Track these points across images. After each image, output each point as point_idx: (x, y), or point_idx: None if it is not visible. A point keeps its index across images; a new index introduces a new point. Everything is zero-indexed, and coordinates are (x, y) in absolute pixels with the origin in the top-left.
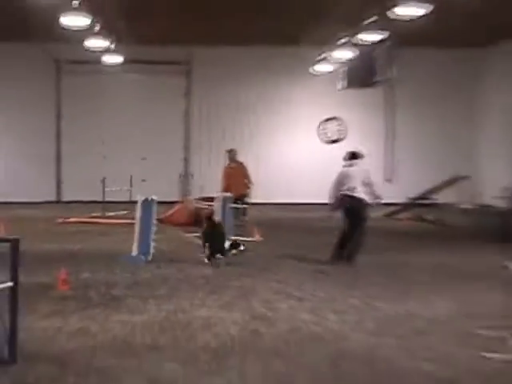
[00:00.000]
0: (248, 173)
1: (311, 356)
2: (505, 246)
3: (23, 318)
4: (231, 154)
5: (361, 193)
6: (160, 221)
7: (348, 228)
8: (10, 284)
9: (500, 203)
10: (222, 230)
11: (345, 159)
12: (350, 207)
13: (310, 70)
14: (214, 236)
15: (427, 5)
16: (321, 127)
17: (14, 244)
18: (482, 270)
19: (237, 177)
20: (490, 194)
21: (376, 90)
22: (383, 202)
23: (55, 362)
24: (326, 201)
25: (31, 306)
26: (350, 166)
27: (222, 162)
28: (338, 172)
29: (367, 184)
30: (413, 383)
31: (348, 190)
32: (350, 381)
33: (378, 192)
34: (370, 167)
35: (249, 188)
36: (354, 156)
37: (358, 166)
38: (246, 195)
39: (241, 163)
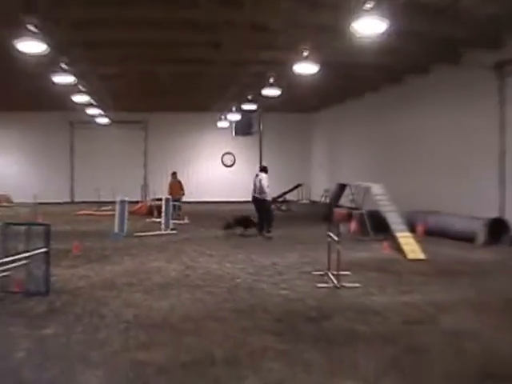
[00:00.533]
0: (182, 185)
1: (217, 288)
2: (326, 223)
3: (53, 268)
4: (173, 175)
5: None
6: (130, 212)
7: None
8: (45, 249)
9: (323, 199)
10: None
11: (266, 172)
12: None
13: (215, 125)
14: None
15: (280, 89)
16: (222, 158)
17: (47, 227)
18: (313, 238)
19: (175, 188)
20: (317, 194)
21: (252, 137)
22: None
23: (71, 294)
24: (223, 199)
25: (57, 262)
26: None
27: (166, 178)
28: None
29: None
30: (276, 302)
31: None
32: (240, 302)
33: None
34: (250, 181)
35: (182, 194)
36: (263, 169)
37: (261, 176)
38: (180, 198)
39: (178, 180)
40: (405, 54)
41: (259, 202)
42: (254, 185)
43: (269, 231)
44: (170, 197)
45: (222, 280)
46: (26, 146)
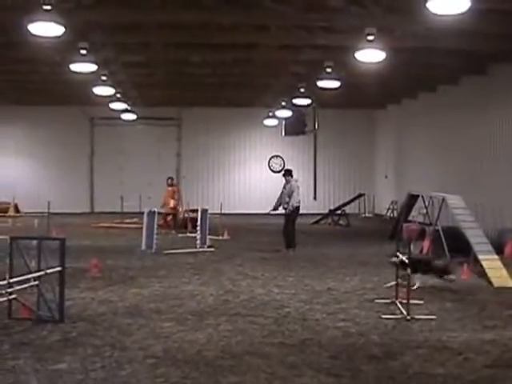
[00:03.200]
0: (179, 195)
1: (263, 317)
2: (394, 242)
3: (68, 291)
4: (169, 181)
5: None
6: (160, 225)
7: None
8: (59, 268)
9: (389, 213)
10: None
11: (291, 176)
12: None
13: (262, 123)
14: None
15: (338, 81)
16: (269, 162)
17: (62, 242)
18: (378, 259)
19: (167, 197)
20: (383, 206)
21: (305, 138)
22: (311, 212)
23: (90, 321)
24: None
25: (74, 284)
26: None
27: (202, 185)
28: (292, 185)
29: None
30: (333, 336)
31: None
32: (289, 334)
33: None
34: (302, 190)
35: (175, 208)
36: (287, 173)
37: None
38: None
39: (173, 189)
40: (491, 38)
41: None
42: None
43: (289, 247)
44: (206, 207)
45: (268, 308)
46: (37, 147)
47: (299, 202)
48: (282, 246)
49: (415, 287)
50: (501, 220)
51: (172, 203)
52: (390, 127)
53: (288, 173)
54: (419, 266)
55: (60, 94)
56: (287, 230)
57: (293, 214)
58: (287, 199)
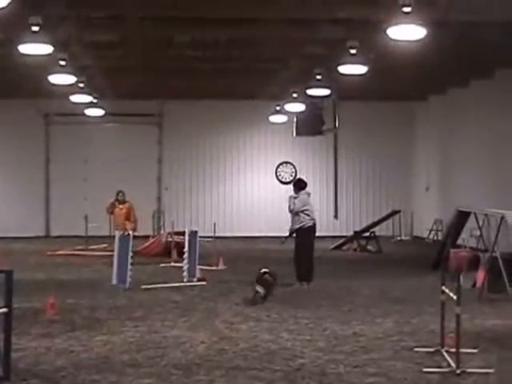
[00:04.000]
0: (133, 213)
1: (269, 372)
2: (438, 272)
3: (16, 339)
4: (118, 195)
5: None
6: (135, 253)
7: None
8: (4, 310)
9: (432, 235)
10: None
11: (301, 188)
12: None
13: (267, 120)
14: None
15: (366, 66)
16: (277, 170)
17: (8, 275)
18: (417, 294)
19: (120, 217)
20: (423, 227)
21: (324, 138)
22: (331, 235)
23: (45, 379)
24: (278, 234)
25: (23, 329)
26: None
27: (190, 201)
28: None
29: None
30: None
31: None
32: None
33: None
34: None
35: (132, 229)
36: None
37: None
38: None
39: (128, 206)
40: None
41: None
42: (311, 207)
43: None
44: (195, 229)
45: (276, 359)
46: None
47: (314, 219)
48: (294, 279)
49: None
50: None
51: (129, 227)
52: (432, 125)
53: (298, 184)
54: None
55: (5, 84)
56: (299, 256)
57: (305, 236)
58: (296, 217)
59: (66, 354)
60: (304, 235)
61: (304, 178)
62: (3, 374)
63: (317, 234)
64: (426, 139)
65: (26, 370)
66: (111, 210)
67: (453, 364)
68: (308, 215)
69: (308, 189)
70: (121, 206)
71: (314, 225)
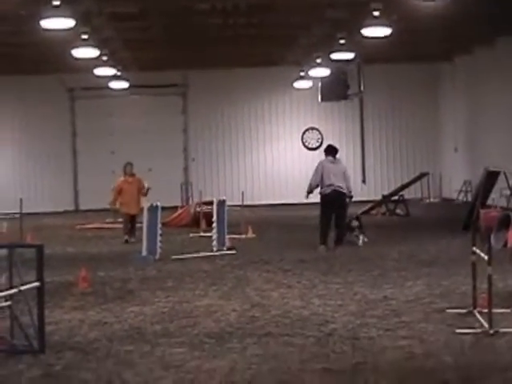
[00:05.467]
0: (144, 187)
1: (301, 337)
2: (468, 233)
3: (50, 312)
4: (128, 167)
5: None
6: (164, 224)
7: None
8: (36, 284)
9: (461, 196)
10: None
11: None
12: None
13: (291, 86)
14: None
15: (389, 28)
16: (302, 136)
17: (39, 249)
18: (447, 256)
19: (131, 192)
20: (452, 188)
21: (349, 102)
22: (359, 199)
23: (79, 350)
24: (305, 200)
25: (56, 302)
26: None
27: (217, 171)
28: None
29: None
30: (393, 359)
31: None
32: (336, 358)
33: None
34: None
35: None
36: (336, 150)
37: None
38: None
39: (138, 178)
40: None
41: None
42: (335, 174)
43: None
44: (223, 198)
45: (307, 325)
46: (2, 129)
47: (333, 185)
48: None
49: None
50: None
51: (144, 203)
52: (458, 85)
53: (327, 150)
54: None
55: (29, 60)
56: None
57: (321, 202)
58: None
59: (99, 325)
60: (321, 201)
61: (332, 143)
62: (38, 347)
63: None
64: (452, 100)
65: (61, 342)
66: (120, 188)
67: (485, 324)
68: (325, 182)
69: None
70: (130, 180)
71: (332, 192)
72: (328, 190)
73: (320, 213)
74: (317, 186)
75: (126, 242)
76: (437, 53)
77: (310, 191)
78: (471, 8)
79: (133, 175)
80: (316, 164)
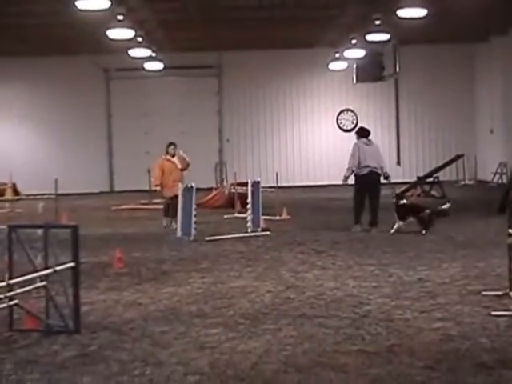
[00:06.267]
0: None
1: (336, 319)
2: (504, 216)
3: (85, 292)
4: (170, 147)
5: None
6: (199, 205)
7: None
8: (72, 264)
9: (497, 178)
10: None
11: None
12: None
13: (326, 67)
14: None
15: (425, 8)
16: (337, 118)
17: (74, 230)
18: (483, 238)
19: (175, 173)
20: (488, 170)
21: (385, 84)
22: (394, 181)
23: (114, 331)
24: (340, 182)
25: (91, 283)
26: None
27: (252, 152)
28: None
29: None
30: (429, 341)
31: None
32: (371, 340)
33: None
34: (383, 153)
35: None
36: (369, 132)
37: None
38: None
39: (183, 156)
40: None
41: (379, 178)
42: (370, 155)
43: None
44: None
45: (342, 306)
46: (39, 109)
47: (369, 166)
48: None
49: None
50: None
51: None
52: (494, 66)
53: (360, 132)
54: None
55: (65, 41)
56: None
57: (356, 183)
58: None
59: (134, 306)
60: (356, 182)
61: (365, 125)
62: (74, 328)
63: (380, 181)
64: (488, 81)
65: (96, 322)
66: (162, 168)
67: None
68: (361, 163)
69: (372, 136)
70: (173, 160)
71: (368, 173)
72: (365, 171)
73: (355, 193)
74: (354, 170)
75: (165, 227)
76: (472, 34)
77: (349, 175)
78: None
79: (174, 156)
80: (351, 146)
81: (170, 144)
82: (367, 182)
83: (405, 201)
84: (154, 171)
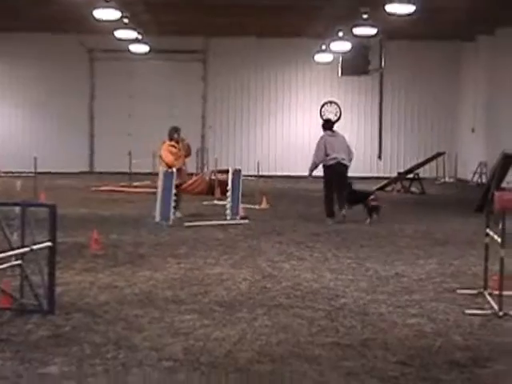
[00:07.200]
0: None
1: (311, 310)
2: (482, 215)
3: (60, 273)
4: (173, 132)
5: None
6: (179, 190)
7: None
8: (48, 244)
9: (476, 177)
10: None
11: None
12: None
13: (312, 59)
14: None
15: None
16: (321, 110)
17: (52, 209)
18: (460, 236)
19: (180, 158)
20: (468, 169)
21: (369, 78)
22: (375, 176)
23: (88, 313)
24: (319, 173)
25: (67, 263)
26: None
27: (234, 139)
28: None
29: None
30: (402, 336)
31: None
32: (345, 332)
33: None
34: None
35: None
36: (333, 124)
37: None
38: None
39: (187, 144)
40: None
41: (346, 169)
42: (337, 146)
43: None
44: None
45: (318, 298)
46: (20, 88)
47: (336, 158)
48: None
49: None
50: None
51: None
52: (479, 65)
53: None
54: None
55: (49, 19)
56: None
57: (324, 174)
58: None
59: (110, 288)
60: (324, 173)
61: (331, 117)
62: (48, 307)
63: (360, 174)
64: (472, 80)
65: (70, 303)
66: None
67: (495, 306)
68: (328, 155)
69: (355, 128)
70: (178, 146)
71: (336, 164)
72: (332, 162)
73: (324, 186)
74: (321, 163)
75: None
76: (459, 32)
77: (313, 169)
78: None
79: (178, 142)
80: (320, 140)
81: (175, 129)
82: (334, 173)
83: (355, 189)
84: (167, 156)
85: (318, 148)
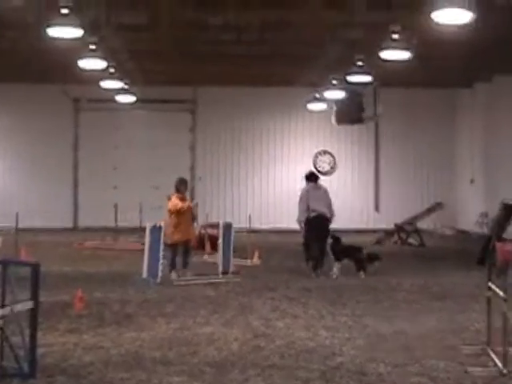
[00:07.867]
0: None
1: (306, 370)
2: (484, 268)
3: (43, 334)
4: (181, 184)
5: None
6: (167, 245)
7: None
8: (30, 304)
9: (478, 229)
10: None
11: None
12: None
13: (305, 107)
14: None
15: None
16: (315, 160)
17: (35, 268)
18: (461, 291)
19: (186, 216)
20: (468, 220)
21: (364, 126)
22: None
23: (72, 376)
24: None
25: (50, 324)
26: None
27: (224, 192)
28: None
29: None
30: None
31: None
32: None
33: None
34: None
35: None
36: (317, 177)
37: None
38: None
39: (195, 202)
40: None
41: (328, 223)
42: (319, 199)
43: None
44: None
45: (313, 357)
46: (2, 138)
47: (317, 211)
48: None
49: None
50: None
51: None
52: (477, 113)
53: (310, 177)
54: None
55: (34, 69)
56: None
57: (306, 227)
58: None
59: (95, 350)
60: (305, 225)
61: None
62: (28, 371)
63: (357, 226)
64: (470, 128)
65: (53, 365)
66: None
67: (499, 364)
68: (310, 208)
69: (350, 180)
70: (186, 199)
71: (317, 216)
72: (313, 214)
73: (304, 240)
74: (303, 215)
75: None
76: (456, 79)
77: (303, 218)
78: (493, 35)
79: (184, 197)
80: (303, 192)
81: (181, 181)
82: (315, 226)
83: (341, 242)
84: (176, 204)
85: (301, 201)
